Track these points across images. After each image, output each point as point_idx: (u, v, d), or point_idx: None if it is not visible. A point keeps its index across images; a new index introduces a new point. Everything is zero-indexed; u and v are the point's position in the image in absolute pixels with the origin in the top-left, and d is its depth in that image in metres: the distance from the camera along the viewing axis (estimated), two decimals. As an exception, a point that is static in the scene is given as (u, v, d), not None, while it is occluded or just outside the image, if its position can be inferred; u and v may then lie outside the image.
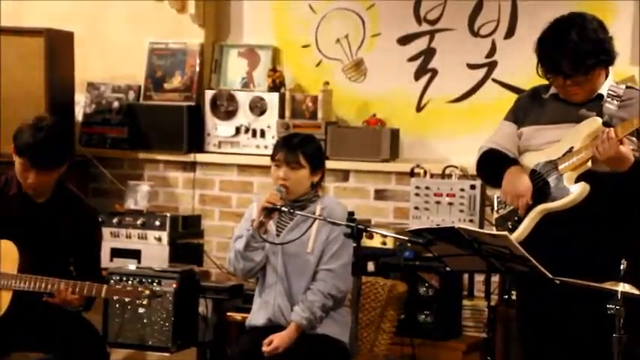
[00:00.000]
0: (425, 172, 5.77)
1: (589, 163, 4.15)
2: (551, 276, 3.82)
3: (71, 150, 5.34)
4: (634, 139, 4.19)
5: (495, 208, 4.57)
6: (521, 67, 5.80)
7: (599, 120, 4.18)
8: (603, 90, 4.29)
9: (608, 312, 3.66)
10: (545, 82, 4.49)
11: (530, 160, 4.40)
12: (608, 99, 4.25)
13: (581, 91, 4.27)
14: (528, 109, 4.53)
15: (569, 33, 4.20)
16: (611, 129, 4.08)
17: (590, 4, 5.08)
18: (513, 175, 4.39)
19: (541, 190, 4.29)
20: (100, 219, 5.40)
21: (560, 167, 4.24)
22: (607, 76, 4.34)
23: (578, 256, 4.02)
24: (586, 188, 4.14)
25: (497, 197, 4.57)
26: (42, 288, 4.68)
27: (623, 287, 3.69)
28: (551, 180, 4.26)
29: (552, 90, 4.40)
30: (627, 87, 4.40)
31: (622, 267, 3.73)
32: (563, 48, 4.19)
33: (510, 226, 4.33)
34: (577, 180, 4.17)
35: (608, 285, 3.71)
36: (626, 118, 4.12)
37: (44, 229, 4.82)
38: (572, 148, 4.22)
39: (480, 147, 4.57)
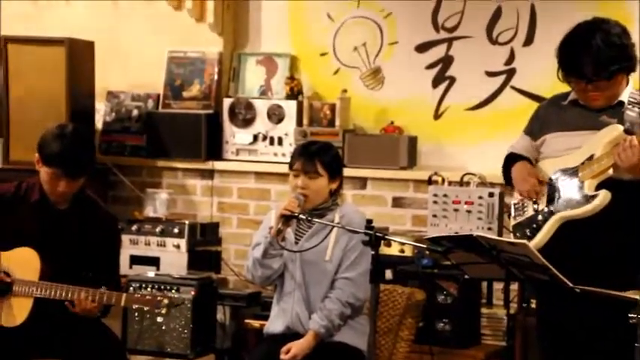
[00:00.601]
0: (443, 180, 5.78)
1: (610, 171, 4.13)
2: (571, 284, 3.80)
3: (94, 156, 5.34)
4: (655, 146, 4.18)
5: (513, 215, 4.57)
6: (541, 74, 5.82)
7: (621, 127, 4.16)
8: (624, 97, 4.28)
9: (630, 321, 3.64)
10: (563, 90, 4.49)
11: (550, 166, 4.40)
12: (629, 106, 4.24)
13: (602, 96, 4.25)
14: (547, 118, 4.53)
15: (593, 37, 4.18)
16: (634, 136, 4.05)
17: (608, 7, 5.08)
18: (519, 166, 4.50)
19: (560, 197, 4.28)
20: (119, 226, 5.39)
21: (580, 174, 4.23)
22: (628, 82, 4.33)
23: (599, 264, 4.01)
24: (607, 196, 4.11)
25: (515, 204, 4.56)
26: (62, 296, 4.67)
27: (646, 296, 3.69)
28: (572, 187, 4.25)
29: (572, 96, 4.39)
30: (653, 95, 4.40)
31: (644, 275, 3.74)
32: (586, 52, 4.17)
33: (529, 233, 4.31)
34: (598, 187, 4.15)
35: (630, 294, 3.69)
36: (616, 151, 4.10)
37: (65, 235, 4.82)
38: (592, 155, 4.21)
39: (507, 153, 4.61)
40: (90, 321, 4.80)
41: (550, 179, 4.35)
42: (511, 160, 4.55)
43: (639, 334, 3.64)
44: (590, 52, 4.17)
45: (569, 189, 4.25)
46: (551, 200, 4.33)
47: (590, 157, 4.20)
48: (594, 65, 4.16)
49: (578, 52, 4.21)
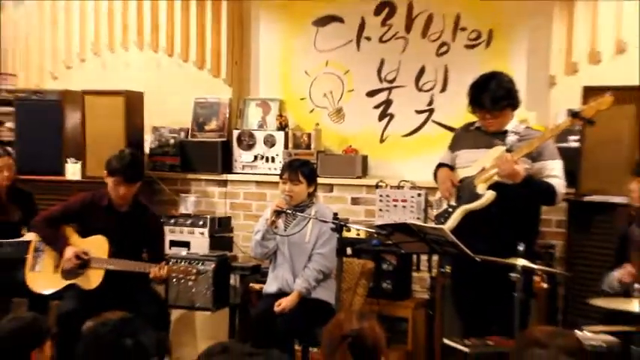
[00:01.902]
0: (386, 185, 5.75)
1: (495, 177, 4.23)
2: (473, 255, 3.93)
3: (143, 170, 5.39)
4: (529, 160, 4.29)
5: (435, 208, 4.65)
6: (452, 112, 5.83)
7: (503, 148, 4.26)
8: (509, 127, 4.37)
9: (511, 279, 3.76)
10: (469, 120, 4.58)
11: (459, 174, 4.47)
12: (511, 134, 4.32)
13: (495, 123, 4.35)
14: (460, 138, 4.61)
15: (491, 82, 4.31)
16: (509, 154, 4.18)
17: (498, 65, 5.13)
18: (441, 171, 4.55)
19: (464, 196, 4.37)
20: (162, 221, 5.48)
21: (476, 180, 4.33)
22: (512, 116, 4.43)
23: (490, 241, 4.07)
24: (493, 194, 4.22)
25: (435, 200, 4.64)
26: (123, 268, 4.77)
27: (521, 262, 3.80)
28: (471, 189, 4.33)
29: (477, 124, 4.48)
30: (526, 127, 4.50)
31: (520, 248, 3.81)
32: (487, 91, 4.28)
33: (443, 221, 4.37)
34: (488, 189, 4.27)
35: (510, 260, 3.80)
36: (497, 162, 4.21)
37: (126, 228, 4.88)
38: (484, 167, 4.32)
39: (436, 164, 4.66)
40: (144, 286, 4.90)
41: (459, 182, 4.45)
42: (439, 166, 4.60)
43: (517, 287, 3.73)
44: (489, 92, 4.28)
45: (469, 190, 4.33)
46: (458, 198, 4.41)
47: (483, 168, 4.32)
48: (491, 100, 4.29)
49: (481, 92, 4.31)
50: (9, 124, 6.68)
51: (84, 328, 2.77)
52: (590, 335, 3.70)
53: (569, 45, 5.50)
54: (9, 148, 5.84)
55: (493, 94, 4.28)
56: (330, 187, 6.17)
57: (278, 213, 4.78)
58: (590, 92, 4.64)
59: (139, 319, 2.82)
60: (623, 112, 4.68)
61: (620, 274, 4.02)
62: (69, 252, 4.83)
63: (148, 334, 2.73)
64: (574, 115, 4.19)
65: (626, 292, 3.92)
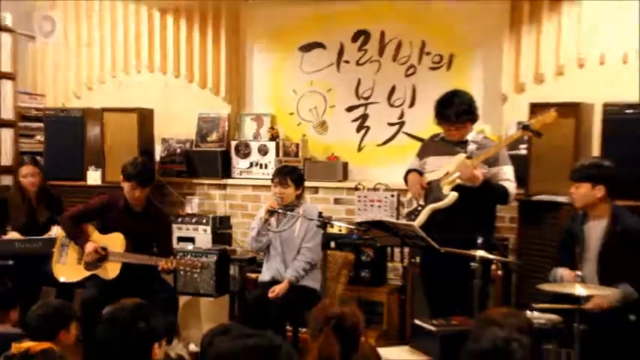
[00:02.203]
0: (364, 187, 5.75)
1: (458, 180, 4.23)
2: (438, 247, 3.92)
3: (155, 176, 5.37)
4: (486, 166, 4.29)
5: (405, 207, 4.65)
6: (419, 124, 5.82)
7: (464, 155, 4.26)
8: (469, 137, 4.37)
9: (471, 267, 3.77)
10: (435, 131, 4.58)
11: (427, 178, 4.46)
12: (471, 143, 4.32)
13: (458, 134, 4.35)
14: (427, 147, 4.60)
15: (454, 99, 4.32)
16: (469, 160, 4.18)
17: (459, 85, 5.15)
18: (411, 176, 4.52)
19: (431, 196, 4.36)
20: (170, 219, 5.44)
21: (441, 183, 4.32)
22: (472, 128, 4.43)
23: (453, 235, 4.05)
24: (456, 195, 4.21)
25: (407, 200, 4.63)
26: (137, 261, 4.74)
27: (480, 253, 3.80)
28: (437, 191, 4.32)
29: (441, 135, 4.47)
30: (484, 137, 4.50)
31: (479, 241, 3.82)
32: (451, 107, 4.29)
33: (413, 218, 4.35)
34: (452, 190, 4.26)
35: (471, 251, 3.81)
36: (459, 167, 4.21)
37: (140, 226, 4.86)
38: (448, 172, 4.31)
39: (406, 169, 4.63)
40: (156, 276, 4.87)
41: (427, 185, 4.43)
42: (409, 171, 4.58)
43: (477, 275, 3.75)
44: (453, 107, 4.29)
45: (435, 192, 4.32)
46: (426, 198, 4.39)
47: (447, 173, 4.31)
48: (455, 115, 4.29)
49: (446, 107, 4.32)
50: (39, 137, 6.66)
51: (103, 312, 2.76)
52: (538, 315, 3.71)
53: (517, 67, 5.53)
54: (38, 157, 5.83)
55: (457, 109, 4.29)
56: (315, 190, 6.14)
57: (271, 212, 4.80)
58: (536, 108, 4.68)
59: (151, 305, 2.80)
60: (563, 125, 4.70)
61: (562, 273, 4.00)
62: (89, 247, 4.81)
63: (158, 317, 2.72)
64: (525, 127, 4.20)
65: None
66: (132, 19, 6.82)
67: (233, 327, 2.35)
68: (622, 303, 3.72)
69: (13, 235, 5.26)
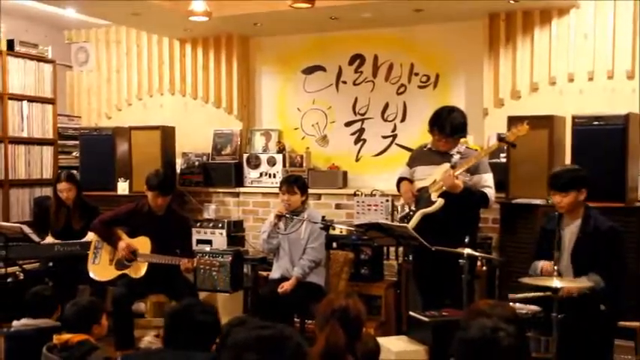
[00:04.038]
0: (361, 194, 5.73)
1: (444, 188, 4.18)
2: (429, 246, 3.88)
3: (175, 185, 5.33)
4: (468, 174, 4.23)
5: (399, 211, 4.61)
6: (410, 137, 5.83)
7: (448, 165, 4.21)
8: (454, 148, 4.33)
9: (460, 263, 3.72)
10: (423, 143, 4.53)
11: (417, 185, 4.40)
12: (455, 153, 4.27)
13: (446, 145, 4.29)
14: (416, 156, 4.54)
15: (454, 113, 4.26)
16: (452, 170, 4.14)
17: (450, 101, 5.15)
18: (403, 184, 4.45)
19: (422, 202, 4.30)
20: (190, 223, 5.38)
21: (430, 190, 4.27)
22: (459, 141, 4.38)
23: (443, 235, 3.99)
24: (442, 201, 4.15)
25: (400, 205, 4.59)
26: (163, 262, 4.70)
27: (467, 251, 3.76)
28: (426, 197, 4.27)
29: (429, 145, 4.41)
30: (466, 147, 4.45)
31: (466, 240, 3.79)
32: (449, 120, 4.22)
33: (406, 221, 4.27)
34: (439, 197, 4.21)
35: (459, 249, 3.77)
36: (443, 178, 4.16)
37: (163, 230, 4.82)
38: (435, 180, 4.26)
39: (397, 177, 4.57)
40: (178, 275, 4.82)
41: (417, 192, 4.40)
42: (401, 179, 4.52)
43: (464, 270, 3.71)
44: (451, 120, 4.22)
45: (425, 198, 4.26)
46: (417, 204, 4.32)
47: (434, 181, 4.26)
48: (452, 127, 4.21)
49: (445, 120, 4.23)
50: (75, 154, 6.73)
51: (166, 309, 2.69)
52: (519, 306, 3.68)
53: (496, 85, 5.52)
54: (74, 171, 5.82)
55: (453, 123, 4.22)
56: (318, 196, 6.12)
57: (279, 217, 4.78)
58: (513, 120, 4.64)
59: (200, 302, 2.72)
60: (538, 136, 4.66)
61: (542, 265, 3.94)
62: (122, 244, 4.80)
63: (211, 311, 2.63)
64: (500, 139, 4.19)
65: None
66: (155, 48, 6.86)
67: (249, 319, 2.31)
68: (590, 290, 3.66)
69: (49, 240, 5.24)
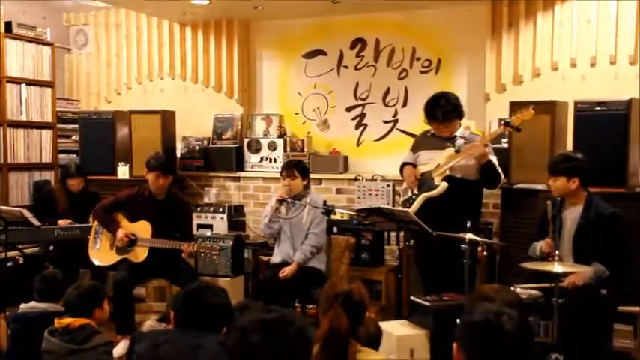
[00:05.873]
0: (362, 179, 5.73)
1: (448, 172, 4.20)
2: (431, 231, 3.89)
3: (175, 167, 5.31)
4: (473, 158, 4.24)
5: (401, 196, 4.61)
6: (412, 122, 5.82)
7: (453, 149, 4.23)
8: (457, 133, 4.34)
9: (461, 249, 3.72)
10: (426, 128, 4.54)
11: (420, 169, 4.42)
12: (459, 138, 4.29)
13: (446, 130, 4.31)
14: (420, 142, 4.56)
15: (441, 100, 4.28)
16: (478, 140, 4.17)
17: (446, 87, 5.14)
18: (406, 168, 4.47)
19: (424, 186, 4.32)
20: (191, 208, 5.37)
21: (433, 174, 4.29)
22: (460, 125, 4.40)
23: (445, 220, 4.00)
24: (445, 185, 4.18)
25: (402, 190, 4.58)
26: (163, 246, 4.69)
27: (469, 235, 3.76)
28: (429, 181, 4.29)
29: (432, 131, 4.44)
30: (470, 132, 4.46)
31: (468, 225, 3.78)
32: (439, 106, 4.24)
33: (408, 206, 4.31)
34: (442, 180, 4.22)
35: (461, 234, 3.76)
36: (468, 149, 4.16)
37: (163, 214, 4.81)
38: (439, 164, 4.28)
39: (401, 162, 4.58)
40: (179, 259, 4.83)
41: (420, 176, 4.40)
42: (404, 164, 4.54)
43: (465, 255, 3.71)
44: (440, 107, 4.25)
45: (428, 182, 4.29)
46: (419, 188, 4.35)
47: (438, 165, 4.28)
48: (442, 114, 4.25)
49: (434, 108, 4.28)
50: (75, 138, 6.69)
51: (180, 292, 2.67)
52: (520, 290, 3.69)
53: (498, 70, 5.50)
54: (73, 155, 5.79)
55: (443, 109, 4.24)
56: (319, 181, 6.11)
57: (280, 202, 4.76)
58: (515, 106, 4.62)
59: (212, 285, 2.69)
60: (540, 121, 4.64)
61: (540, 244, 3.97)
62: (120, 233, 4.78)
63: (223, 294, 2.61)
64: (506, 124, 4.16)
65: (542, 258, 3.89)
66: (155, 32, 6.80)
67: (251, 304, 2.31)
68: (594, 280, 3.69)
69: (62, 223, 5.25)
